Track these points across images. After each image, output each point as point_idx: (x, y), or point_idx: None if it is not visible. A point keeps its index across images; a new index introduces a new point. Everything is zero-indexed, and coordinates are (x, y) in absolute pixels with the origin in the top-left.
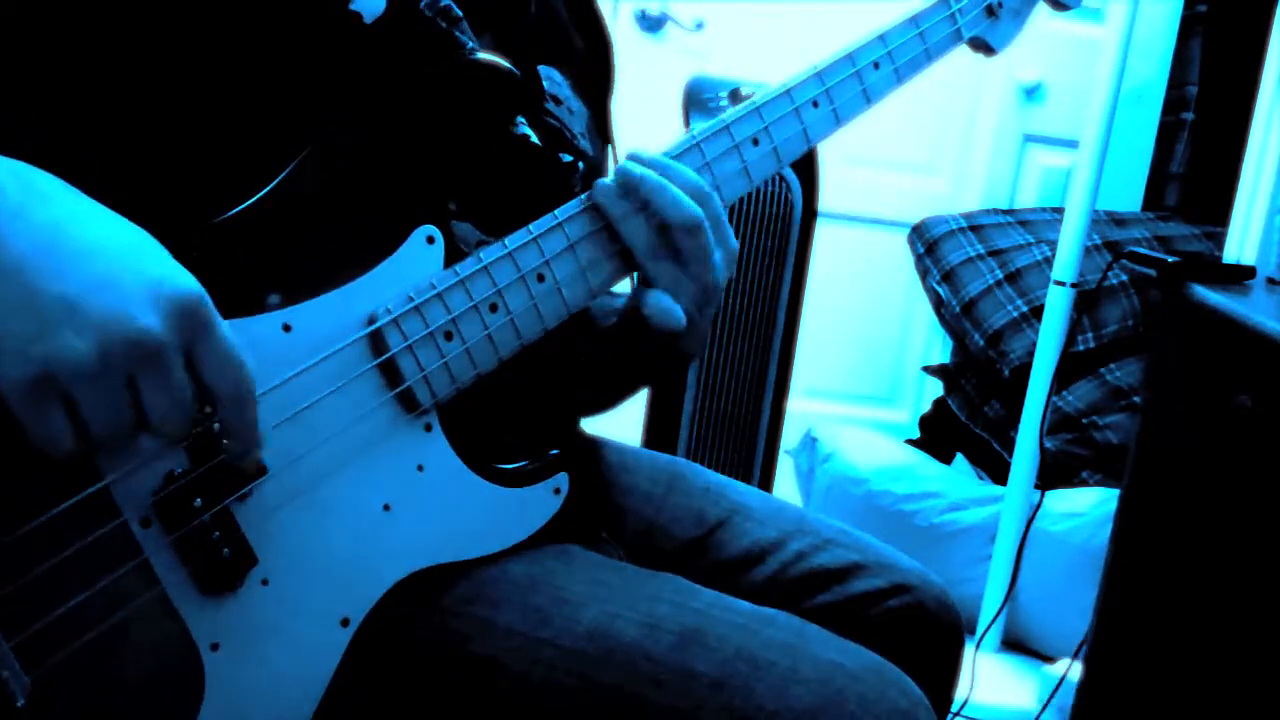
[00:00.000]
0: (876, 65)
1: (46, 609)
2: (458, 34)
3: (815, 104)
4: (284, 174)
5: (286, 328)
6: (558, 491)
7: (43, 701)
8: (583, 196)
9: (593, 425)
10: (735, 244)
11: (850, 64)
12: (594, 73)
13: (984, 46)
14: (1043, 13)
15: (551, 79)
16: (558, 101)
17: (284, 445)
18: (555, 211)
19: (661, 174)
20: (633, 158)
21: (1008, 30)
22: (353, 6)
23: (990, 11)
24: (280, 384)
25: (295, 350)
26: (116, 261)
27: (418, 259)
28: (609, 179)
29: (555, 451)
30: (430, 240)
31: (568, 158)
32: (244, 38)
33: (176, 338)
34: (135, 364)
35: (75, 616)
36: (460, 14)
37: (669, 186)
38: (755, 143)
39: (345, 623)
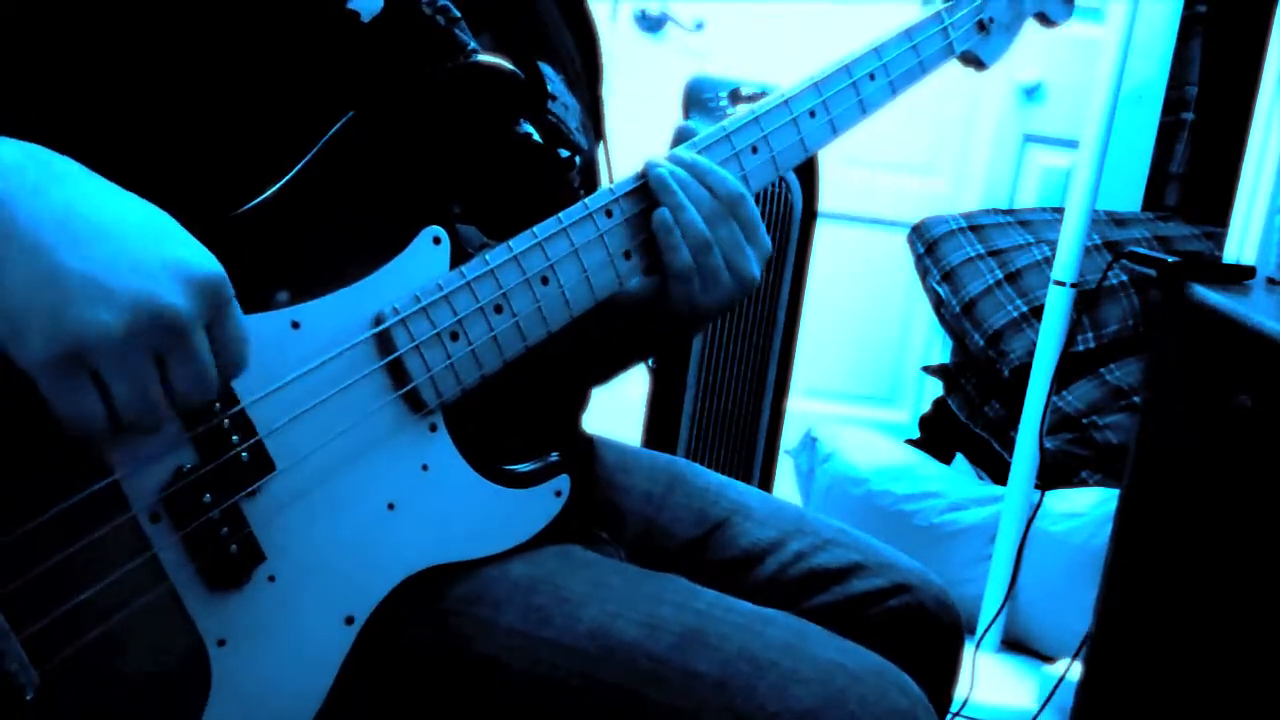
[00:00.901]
0: (872, 77)
1: (55, 603)
2: (457, 33)
3: (812, 114)
4: (292, 173)
5: (295, 325)
6: (559, 494)
7: (51, 696)
8: (625, 182)
9: (593, 425)
10: (769, 243)
11: (847, 75)
12: (584, 66)
13: (975, 61)
14: None
15: (546, 76)
16: (552, 98)
17: (291, 443)
18: (559, 215)
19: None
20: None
21: (998, 45)
22: (350, 5)
23: (981, 26)
24: (288, 382)
25: (303, 348)
26: (140, 239)
27: (424, 259)
28: (665, 163)
29: (556, 454)
30: (436, 241)
31: (565, 153)
32: (241, 37)
33: (200, 316)
34: (162, 340)
35: (84, 611)
36: (459, 14)
37: (717, 168)
38: (754, 151)
39: (350, 621)
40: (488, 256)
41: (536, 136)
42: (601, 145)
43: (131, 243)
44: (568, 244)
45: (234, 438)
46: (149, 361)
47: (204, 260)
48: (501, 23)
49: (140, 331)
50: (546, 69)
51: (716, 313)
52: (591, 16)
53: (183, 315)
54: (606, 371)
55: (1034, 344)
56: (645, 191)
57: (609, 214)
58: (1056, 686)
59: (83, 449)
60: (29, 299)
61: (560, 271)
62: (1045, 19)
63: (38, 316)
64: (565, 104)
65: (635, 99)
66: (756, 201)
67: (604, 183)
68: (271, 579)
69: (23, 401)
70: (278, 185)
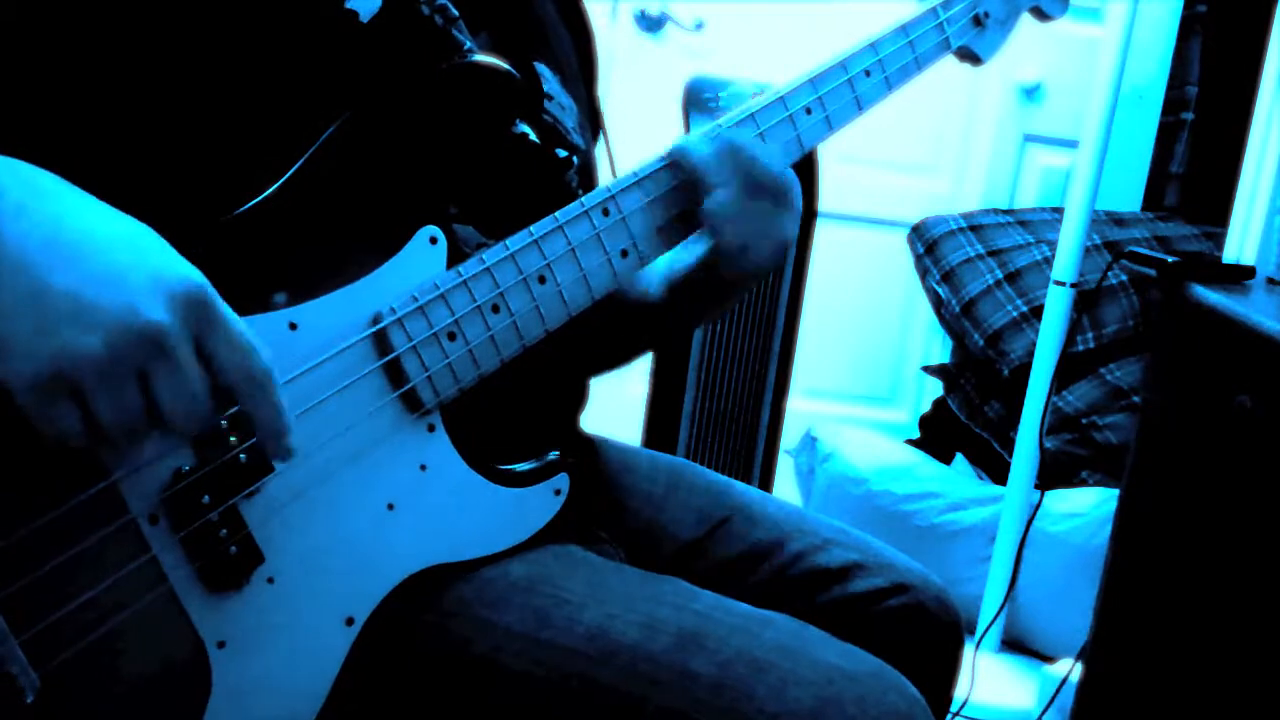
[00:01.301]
0: (868, 73)
1: (55, 606)
2: (454, 32)
3: (809, 110)
4: (289, 173)
5: (293, 326)
6: (558, 493)
7: (51, 699)
8: (652, 163)
9: (593, 425)
10: (800, 203)
11: (843, 71)
12: (580, 65)
13: (971, 56)
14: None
15: (542, 75)
16: (549, 98)
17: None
18: (555, 214)
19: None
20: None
21: (994, 40)
22: (349, 4)
23: (977, 21)
24: (286, 382)
25: (301, 349)
26: (121, 255)
27: (421, 259)
28: (703, 145)
29: (556, 453)
30: (433, 241)
31: (563, 153)
32: (240, 37)
33: (185, 329)
34: (144, 357)
35: (84, 614)
36: (457, 13)
37: (750, 144)
38: None
39: (350, 622)
40: (484, 255)
41: (533, 136)
42: (600, 143)
43: (114, 259)
44: (564, 242)
45: (232, 438)
46: (132, 379)
47: (182, 271)
48: (499, 22)
49: (124, 350)
50: (543, 69)
51: (757, 279)
52: (587, 15)
53: (164, 329)
54: (641, 350)
55: (1034, 344)
56: (675, 170)
57: (605, 212)
58: (1060, 687)
59: (80, 453)
60: (12, 319)
61: (557, 270)
62: (1041, 13)
63: (21, 337)
64: (562, 104)
65: (635, 99)
66: None
67: (601, 181)
68: (271, 580)
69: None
70: (275, 185)
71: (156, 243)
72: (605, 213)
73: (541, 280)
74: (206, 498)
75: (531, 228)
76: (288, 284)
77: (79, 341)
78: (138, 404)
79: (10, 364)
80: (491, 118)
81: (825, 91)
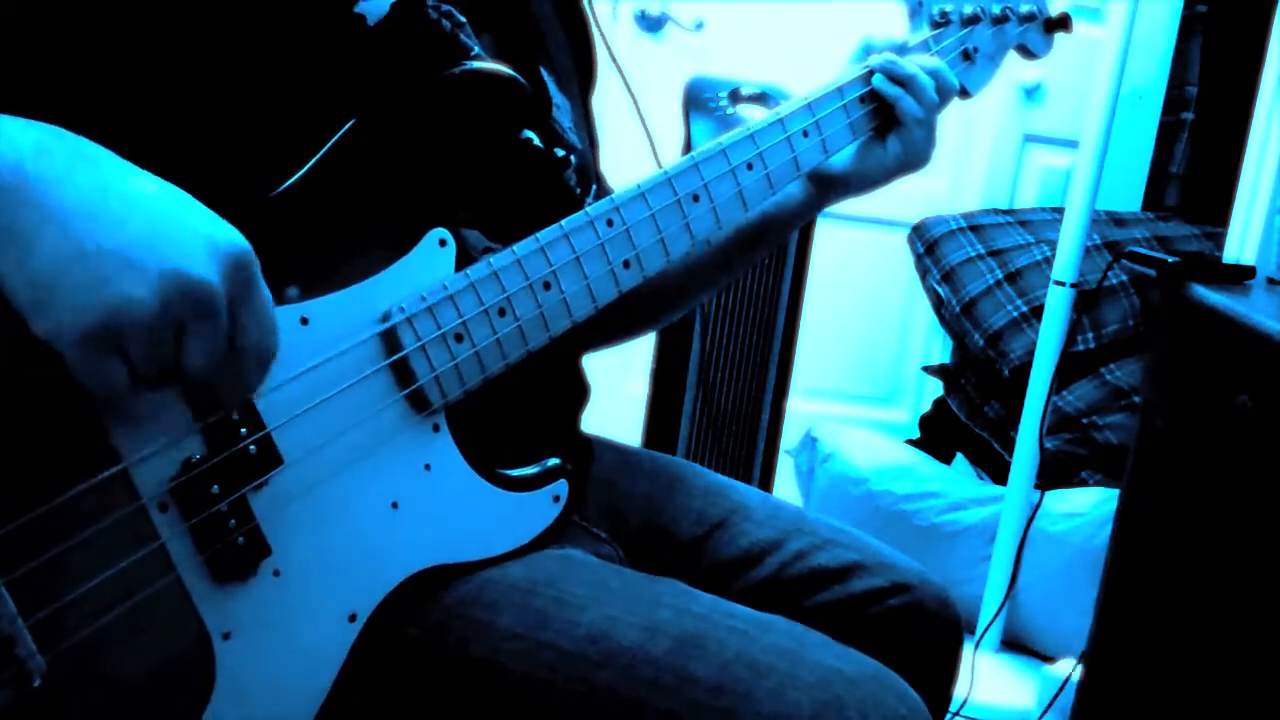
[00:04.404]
0: (862, 100)
1: (64, 591)
2: (462, 37)
3: (805, 134)
4: (302, 171)
5: (304, 321)
6: (557, 499)
7: (57, 683)
8: (850, 71)
9: (593, 425)
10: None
11: (839, 97)
12: (577, 65)
13: (959, 89)
14: None
15: (543, 77)
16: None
17: (300, 438)
18: (561, 222)
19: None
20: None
21: (982, 74)
22: (357, 8)
23: (966, 56)
24: (298, 375)
25: (312, 344)
26: (169, 216)
27: (430, 261)
28: (910, 69)
29: (556, 460)
30: (442, 243)
31: (561, 153)
32: (249, 38)
33: (228, 291)
34: (188, 314)
35: (91, 600)
36: (464, 19)
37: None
38: (750, 168)
39: (353, 618)
40: (491, 260)
41: (537, 141)
42: (597, 145)
43: (160, 220)
44: (569, 250)
45: (243, 430)
46: (173, 334)
47: (230, 234)
48: (500, 24)
49: (173, 304)
50: (542, 70)
51: (922, 164)
52: (586, 14)
53: (212, 290)
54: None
55: (1034, 344)
56: (869, 79)
57: (610, 223)
58: (1062, 688)
59: (91, 439)
60: (61, 275)
61: (562, 278)
62: (1026, 51)
63: (70, 292)
64: (558, 103)
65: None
66: None
67: (606, 187)
68: (277, 573)
69: (32, 388)
70: (288, 182)
71: (200, 206)
72: (610, 223)
73: (546, 287)
74: (216, 487)
75: (538, 234)
76: (300, 279)
77: (132, 295)
78: (171, 358)
79: (60, 317)
80: (499, 124)
81: (822, 116)
